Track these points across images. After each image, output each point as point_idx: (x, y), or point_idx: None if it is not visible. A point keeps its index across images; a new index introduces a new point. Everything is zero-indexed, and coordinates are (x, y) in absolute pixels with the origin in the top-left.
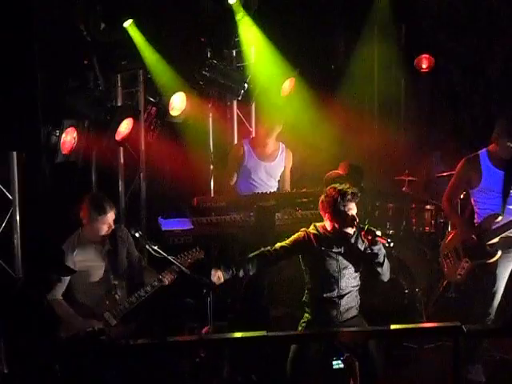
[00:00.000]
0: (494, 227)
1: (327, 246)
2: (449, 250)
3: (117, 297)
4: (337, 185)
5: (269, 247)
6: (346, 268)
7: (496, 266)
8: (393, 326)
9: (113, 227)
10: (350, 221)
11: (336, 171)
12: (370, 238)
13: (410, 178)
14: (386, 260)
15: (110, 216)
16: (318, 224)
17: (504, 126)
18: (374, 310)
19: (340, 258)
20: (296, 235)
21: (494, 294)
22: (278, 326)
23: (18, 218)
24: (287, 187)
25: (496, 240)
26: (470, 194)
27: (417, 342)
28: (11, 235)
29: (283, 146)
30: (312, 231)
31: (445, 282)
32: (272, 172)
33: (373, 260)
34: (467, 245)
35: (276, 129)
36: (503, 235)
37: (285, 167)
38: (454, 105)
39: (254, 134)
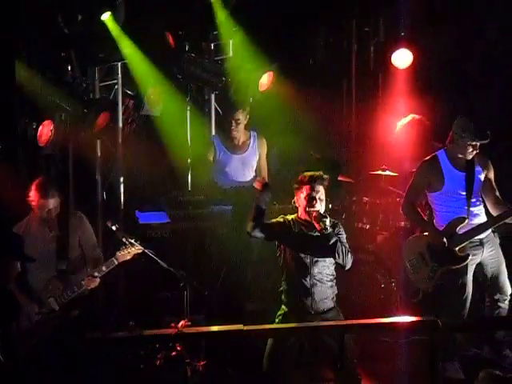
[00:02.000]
0: (460, 232)
1: (299, 231)
2: (414, 255)
3: (61, 283)
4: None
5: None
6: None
7: (465, 270)
8: (369, 321)
9: (53, 215)
10: (309, 204)
11: (313, 154)
12: (317, 221)
13: (387, 173)
14: (341, 246)
15: (50, 202)
16: (292, 215)
17: (465, 125)
18: (351, 304)
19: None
20: (276, 219)
21: (465, 299)
22: (253, 320)
23: None
24: (264, 175)
25: (463, 244)
26: (428, 196)
27: (392, 336)
28: None
29: (255, 133)
30: (288, 217)
31: None
32: (246, 162)
33: (326, 244)
34: (434, 249)
35: (240, 119)
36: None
37: (260, 155)
38: (432, 100)
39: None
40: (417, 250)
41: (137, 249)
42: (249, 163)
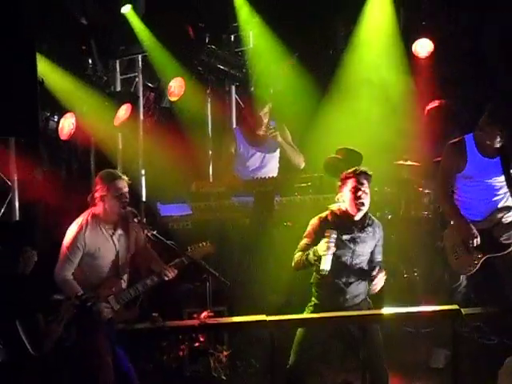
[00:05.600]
0: (505, 221)
1: (340, 231)
2: (455, 242)
3: (123, 282)
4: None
5: (299, 253)
6: (359, 256)
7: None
8: (391, 310)
9: (127, 198)
10: (354, 202)
11: (334, 156)
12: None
13: (409, 163)
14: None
15: (123, 183)
16: (333, 208)
17: (494, 113)
18: (373, 294)
19: (352, 244)
20: (311, 224)
21: None
22: (275, 311)
23: (16, 203)
24: (298, 156)
25: (509, 233)
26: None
27: (415, 325)
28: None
29: (273, 124)
30: (326, 216)
31: None
32: (267, 155)
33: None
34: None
35: (268, 112)
36: None
37: (281, 143)
38: (453, 88)
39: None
40: (458, 237)
41: (208, 248)
42: (269, 155)
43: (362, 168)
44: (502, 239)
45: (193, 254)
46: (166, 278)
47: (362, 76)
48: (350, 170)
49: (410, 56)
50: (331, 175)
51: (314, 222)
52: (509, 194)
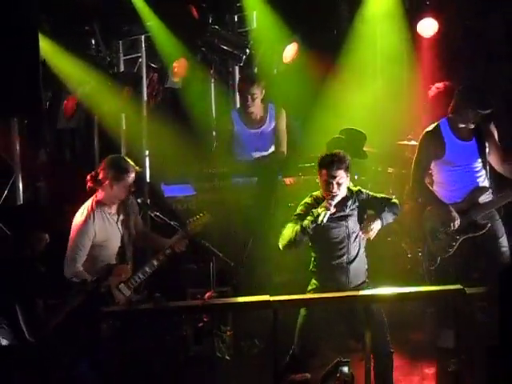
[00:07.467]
0: (482, 202)
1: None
2: (434, 225)
3: (129, 267)
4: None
5: (292, 222)
6: (353, 233)
7: (495, 230)
8: (395, 290)
9: (132, 189)
10: (327, 189)
11: (338, 136)
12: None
13: (413, 143)
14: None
15: (132, 177)
16: (315, 194)
17: (466, 95)
18: (377, 274)
19: (344, 221)
20: (304, 203)
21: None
22: (279, 291)
23: (20, 185)
24: (283, 147)
25: (484, 214)
26: (433, 165)
27: (420, 305)
28: (13, 202)
29: (272, 106)
30: (316, 195)
31: None
32: (263, 137)
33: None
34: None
35: (256, 93)
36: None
37: (277, 126)
38: (457, 69)
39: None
40: (438, 220)
41: (205, 218)
42: (266, 138)
43: (336, 154)
44: (478, 219)
45: (192, 226)
46: (178, 250)
47: (366, 56)
48: (323, 158)
49: (414, 36)
50: None
51: (306, 200)
52: (486, 174)
